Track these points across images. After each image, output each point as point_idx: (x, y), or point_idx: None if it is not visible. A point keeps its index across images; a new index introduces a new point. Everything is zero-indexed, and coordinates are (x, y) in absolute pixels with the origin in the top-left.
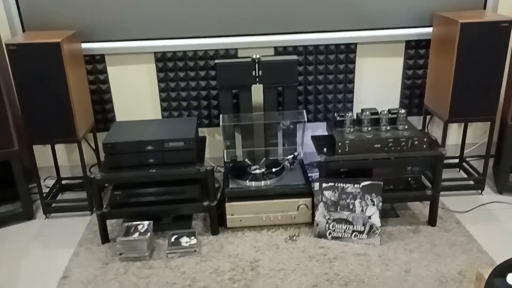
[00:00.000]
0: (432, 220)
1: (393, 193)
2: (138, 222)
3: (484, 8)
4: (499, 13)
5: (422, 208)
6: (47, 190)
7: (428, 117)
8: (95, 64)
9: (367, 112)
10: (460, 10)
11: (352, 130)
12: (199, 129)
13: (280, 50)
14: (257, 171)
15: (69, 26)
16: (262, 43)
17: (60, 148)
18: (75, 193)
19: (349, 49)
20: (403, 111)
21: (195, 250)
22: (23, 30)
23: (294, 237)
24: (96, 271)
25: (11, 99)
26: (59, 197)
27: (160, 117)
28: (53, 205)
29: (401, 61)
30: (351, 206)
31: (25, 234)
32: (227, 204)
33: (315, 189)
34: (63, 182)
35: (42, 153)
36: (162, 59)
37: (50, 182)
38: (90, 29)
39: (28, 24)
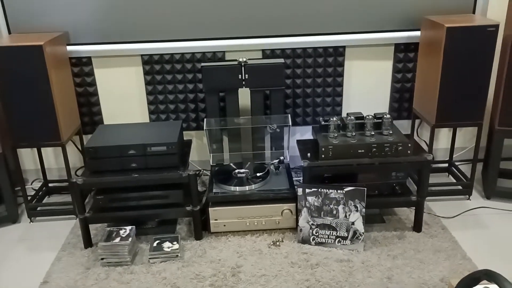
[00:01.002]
0: (417, 226)
1: (378, 199)
2: (120, 227)
3: (474, 12)
4: (488, 17)
5: (408, 214)
6: (34, 193)
7: (417, 121)
8: (82, 67)
9: (352, 117)
10: (449, 14)
11: (336, 134)
12: (187, 132)
13: (268, 53)
14: (242, 176)
15: (56, 28)
16: (250, 46)
17: (47, 150)
18: (62, 196)
19: (338, 52)
20: (388, 116)
21: (177, 255)
22: (9, 33)
23: (278, 243)
24: (77, 276)
25: None
26: (46, 200)
27: (147, 119)
28: (38, 208)
29: (390, 64)
30: (334, 212)
31: (9, 238)
32: (210, 209)
33: (298, 194)
34: (50, 185)
35: (29, 156)
36: (149, 62)
37: (38, 185)
38: (77, 32)
39: (14, 26)
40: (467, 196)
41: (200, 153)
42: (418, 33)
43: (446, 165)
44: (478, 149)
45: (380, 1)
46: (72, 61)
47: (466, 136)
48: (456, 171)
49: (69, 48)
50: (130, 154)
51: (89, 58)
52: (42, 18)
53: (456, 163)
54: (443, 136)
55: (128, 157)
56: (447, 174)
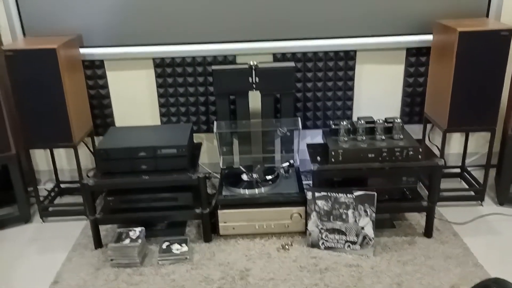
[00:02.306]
0: (428, 232)
1: (388, 204)
2: (130, 229)
3: (487, 16)
4: (502, 21)
5: (419, 219)
6: (47, 193)
7: (428, 125)
8: (95, 69)
9: (362, 121)
10: (462, 18)
11: (346, 139)
12: (197, 134)
13: (279, 56)
14: (251, 179)
15: (70, 31)
16: (261, 50)
17: (60, 152)
18: (74, 197)
19: (349, 56)
20: (398, 120)
21: (186, 258)
22: (24, 35)
23: (287, 246)
24: (86, 277)
25: (9, 104)
26: (58, 201)
27: (158, 122)
28: (50, 209)
29: (402, 69)
30: (344, 216)
31: (21, 238)
32: (219, 212)
33: (308, 198)
34: (62, 186)
35: (42, 157)
36: (161, 65)
37: (50, 186)
38: (90, 35)
39: (29, 29)
40: (479, 202)
41: (211, 155)
42: (430, 37)
43: (458, 170)
44: (491, 155)
45: (392, 5)
46: (85, 64)
47: (478, 142)
48: (468, 177)
49: (82, 50)
50: (140, 156)
51: (102, 61)
52: (56, 21)
53: (469, 169)
54: (455, 141)
55: (139, 159)
56: (459, 179)
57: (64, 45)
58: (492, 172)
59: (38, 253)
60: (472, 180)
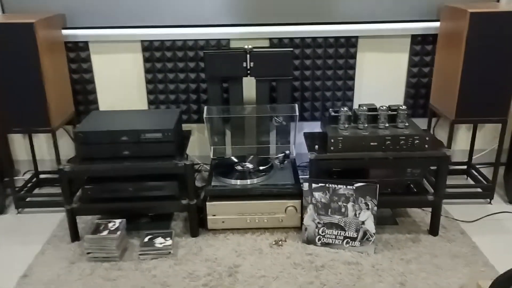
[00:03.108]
0: (433, 229)
1: (391, 197)
2: (109, 220)
3: (498, 1)
4: None
5: (423, 216)
6: (23, 183)
7: (434, 119)
8: (78, 52)
9: (364, 108)
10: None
11: (347, 126)
12: (188, 125)
13: (276, 42)
14: (243, 169)
15: (52, 10)
16: (256, 34)
17: (41, 141)
18: (54, 189)
19: (350, 42)
20: (404, 107)
21: (170, 252)
22: (3, 12)
23: (280, 242)
24: (60, 271)
25: None
26: (36, 192)
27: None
28: (27, 199)
29: (406, 57)
30: (343, 210)
31: None
32: (208, 204)
33: (304, 189)
34: (42, 176)
35: (22, 146)
36: (150, 48)
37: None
38: (74, 15)
39: (9, 6)
40: (488, 200)
41: (201, 148)
42: (437, 24)
43: (465, 167)
44: (502, 148)
45: None
46: (68, 46)
47: (486, 138)
48: (475, 174)
49: (65, 32)
50: (122, 141)
51: (86, 43)
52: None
53: (476, 166)
54: (462, 137)
55: (120, 143)
56: (465, 177)
57: (43, 21)
58: (501, 171)
59: (9, 245)
60: (480, 177)
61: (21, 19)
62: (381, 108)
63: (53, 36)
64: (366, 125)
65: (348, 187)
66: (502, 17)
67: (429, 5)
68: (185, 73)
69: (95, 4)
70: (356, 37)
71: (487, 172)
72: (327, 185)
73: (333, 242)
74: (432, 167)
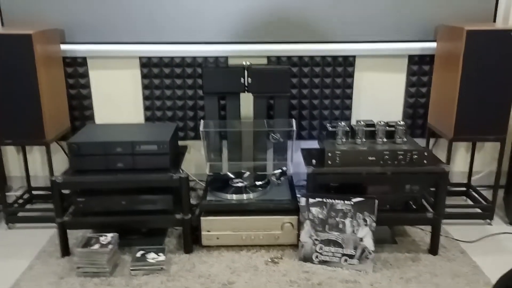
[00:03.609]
0: (433, 248)
1: (390, 214)
2: (101, 234)
3: (494, 21)
4: (511, 25)
5: (423, 236)
6: (15, 198)
7: (432, 140)
8: (76, 67)
9: (362, 123)
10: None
11: (344, 141)
12: (184, 142)
13: (273, 60)
14: (239, 184)
15: (51, 24)
16: (255, 52)
17: (34, 156)
18: (46, 204)
19: (348, 62)
20: (402, 123)
21: (162, 268)
22: (2, 25)
23: (276, 259)
24: (48, 286)
25: None
26: (28, 207)
27: None
28: (19, 214)
29: (403, 78)
30: (340, 226)
31: None
32: (203, 219)
33: (301, 204)
34: (34, 192)
35: (15, 162)
36: (148, 65)
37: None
38: (73, 29)
39: (8, 21)
40: (488, 220)
41: (197, 165)
42: (433, 44)
43: (464, 188)
44: (501, 166)
45: (394, 10)
46: (67, 61)
47: (485, 159)
48: (475, 194)
49: (63, 47)
50: (117, 153)
51: (85, 58)
52: (37, 14)
53: (476, 187)
54: (460, 158)
55: (115, 155)
56: (464, 198)
57: (41, 34)
58: (500, 193)
59: None
60: (479, 197)
61: (19, 31)
62: (379, 123)
63: (51, 50)
64: (364, 140)
65: (346, 202)
66: (498, 35)
67: (426, 26)
68: (183, 90)
69: (94, 20)
70: (354, 57)
71: (486, 193)
72: (324, 200)
73: (331, 260)
74: (431, 188)
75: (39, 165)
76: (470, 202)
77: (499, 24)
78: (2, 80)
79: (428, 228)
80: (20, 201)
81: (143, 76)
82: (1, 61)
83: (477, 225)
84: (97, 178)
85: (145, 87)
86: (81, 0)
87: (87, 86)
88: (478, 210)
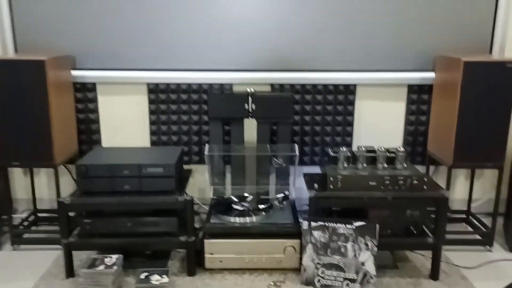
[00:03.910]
0: (434, 273)
1: (391, 239)
2: (106, 255)
3: (490, 52)
4: (506, 57)
5: (424, 261)
6: (21, 220)
7: (432, 167)
8: (86, 93)
9: (363, 149)
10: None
11: (346, 166)
12: (188, 166)
13: (277, 87)
14: (243, 207)
15: (63, 51)
16: (258, 79)
17: (41, 180)
18: (51, 227)
19: (349, 90)
20: (402, 149)
21: None
22: (16, 51)
23: (279, 283)
24: None
25: None
26: (33, 229)
27: None
28: (24, 235)
29: (403, 106)
30: (342, 250)
31: None
32: (206, 241)
33: (303, 228)
34: (40, 215)
35: (21, 184)
36: (155, 91)
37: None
38: (84, 56)
39: (22, 47)
40: (488, 247)
41: (201, 190)
42: (432, 74)
43: (464, 215)
44: (499, 194)
45: (393, 40)
46: (76, 87)
47: (484, 187)
48: (474, 221)
49: (74, 73)
50: (124, 175)
51: (94, 84)
52: (50, 41)
53: (474, 213)
54: (460, 185)
55: (122, 177)
56: (464, 225)
57: (54, 60)
58: (500, 220)
59: (2, 280)
60: (479, 224)
61: (33, 57)
62: (380, 149)
63: (63, 76)
64: (365, 166)
65: (348, 226)
66: (494, 66)
67: (424, 56)
68: (188, 115)
69: (104, 47)
70: (355, 85)
71: (486, 221)
72: (326, 224)
73: (333, 284)
74: (432, 215)
75: (44, 187)
76: (470, 229)
77: (495, 56)
78: (14, 103)
79: (429, 253)
80: (26, 223)
81: (150, 102)
82: (14, 85)
83: (477, 251)
84: (104, 200)
85: (151, 112)
86: (92, 28)
87: (95, 111)
88: (478, 237)
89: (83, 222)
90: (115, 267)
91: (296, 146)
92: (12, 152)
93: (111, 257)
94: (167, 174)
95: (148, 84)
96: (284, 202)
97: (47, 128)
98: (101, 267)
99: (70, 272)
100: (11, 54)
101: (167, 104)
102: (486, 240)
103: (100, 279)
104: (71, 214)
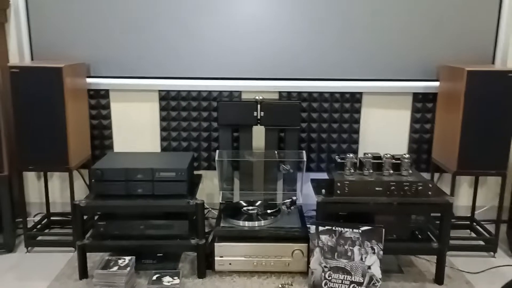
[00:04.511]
0: (439, 278)
1: (396, 244)
2: (119, 257)
3: (493, 63)
4: (509, 67)
5: (428, 266)
6: (34, 223)
7: (436, 174)
8: (99, 99)
9: (369, 155)
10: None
11: (352, 172)
12: (197, 172)
13: (285, 95)
14: (251, 212)
15: (77, 59)
16: (267, 87)
17: (54, 184)
18: (64, 230)
19: (355, 98)
20: (407, 155)
21: None
22: (32, 59)
23: (287, 286)
24: None
25: (7, 125)
26: (46, 232)
27: None
28: (38, 238)
29: (408, 114)
30: (349, 253)
31: (0, 266)
32: (216, 245)
33: (311, 232)
34: (53, 218)
35: (35, 188)
36: (166, 98)
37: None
38: (98, 64)
39: (37, 55)
40: (492, 253)
41: (210, 195)
42: (436, 83)
43: (467, 222)
44: (503, 200)
45: (399, 50)
46: (90, 93)
47: (488, 195)
48: (478, 228)
49: (88, 80)
50: (137, 179)
51: (107, 91)
52: (65, 50)
53: (478, 220)
54: (464, 192)
55: (135, 181)
56: (468, 231)
57: (70, 68)
58: (503, 227)
59: (17, 281)
60: (483, 231)
61: (51, 64)
62: (386, 156)
63: (78, 83)
64: (371, 172)
65: (355, 230)
66: (497, 75)
67: (429, 66)
68: (198, 122)
69: (118, 56)
70: (361, 93)
71: (490, 228)
72: (333, 228)
73: (340, 287)
74: (436, 222)
75: (57, 192)
76: (474, 235)
77: (498, 65)
78: (31, 109)
79: (434, 259)
80: (39, 226)
81: (161, 109)
82: (32, 91)
83: (481, 257)
84: (118, 202)
85: (162, 118)
86: (106, 37)
87: (108, 117)
88: (482, 243)
89: (97, 224)
90: (128, 268)
91: (304, 153)
92: (28, 156)
93: (124, 258)
94: (179, 179)
95: (159, 91)
96: (292, 207)
97: (63, 133)
98: (115, 268)
99: (83, 273)
100: (28, 62)
101: (178, 111)
102: (490, 247)
103: (113, 280)
104: (85, 217)
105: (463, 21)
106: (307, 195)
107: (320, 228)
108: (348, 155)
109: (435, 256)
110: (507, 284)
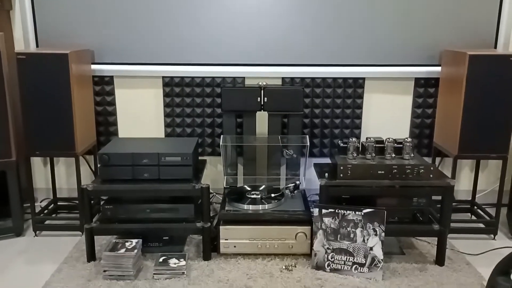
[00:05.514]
0: (440, 259)
1: (398, 225)
2: (127, 240)
3: (495, 47)
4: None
5: (429, 248)
6: (41, 208)
7: (438, 159)
8: (104, 86)
9: (372, 139)
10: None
11: (355, 156)
12: (201, 157)
13: (288, 81)
14: (255, 196)
15: (82, 46)
16: (270, 73)
17: (60, 170)
18: (71, 214)
19: (357, 83)
20: (409, 139)
21: (183, 273)
22: (37, 46)
23: (290, 267)
24: (76, 287)
25: (15, 111)
26: (53, 216)
27: None
28: (46, 222)
29: (410, 99)
30: (352, 235)
31: (10, 249)
32: (221, 228)
33: (314, 215)
34: (60, 203)
35: (42, 174)
36: (170, 84)
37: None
38: (102, 50)
39: (42, 42)
40: (492, 235)
41: (213, 180)
42: (438, 68)
43: (468, 205)
44: (503, 184)
45: (401, 35)
46: (95, 80)
47: (489, 178)
48: (479, 211)
49: (93, 66)
50: (143, 164)
51: (112, 77)
52: (69, 37)
53: (480, 205)
54: (465, 176)
55: (141, 166)
56: (469, 215)
57: (75, 54)
58: (503, 210)
59: (27, 264)
60: (483, 214)
61: (57, 50)
62: (388, 140)
63: (83, 69)
64: (374, 156)
65: (357, 212)
66: (499, 59)
67: (431, 51)
68: (202, 108)
69: (122, 42)
70: (363, 79)
71: (491, 211)
72: (336, 210)
73: (342, 268)
74: (438, 205)
75: (63, 177)
76: (474, 218)
77: (500, 50)
78: (37, 95)
79: (435, 241)
80: (46, 211)
81: (165, 95)
82: (38, 78)
83: (482, 239)
84: (125, 187)
85: (166, 105)
86: (111, 23)
87: (112, 103)
88: (482, 226)
89: (104, 208)
90: (135, 251)
91: (307, 137)
92: (36, 142)
93: (131, 241)
94: (185, 163)
95: (163, 78)
96: (295, 191)
97: (69, 119)
98: (122, 250)
99: (91, 255)
100: (33, 49)
101: (182, 97)
102: (490, 229)
103: (121, 262)
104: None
105: (465, 5)
106: (310, 180)
107: (324, 210)
108: (351, 139)
109: (436, 238)
110: (503, 260)
